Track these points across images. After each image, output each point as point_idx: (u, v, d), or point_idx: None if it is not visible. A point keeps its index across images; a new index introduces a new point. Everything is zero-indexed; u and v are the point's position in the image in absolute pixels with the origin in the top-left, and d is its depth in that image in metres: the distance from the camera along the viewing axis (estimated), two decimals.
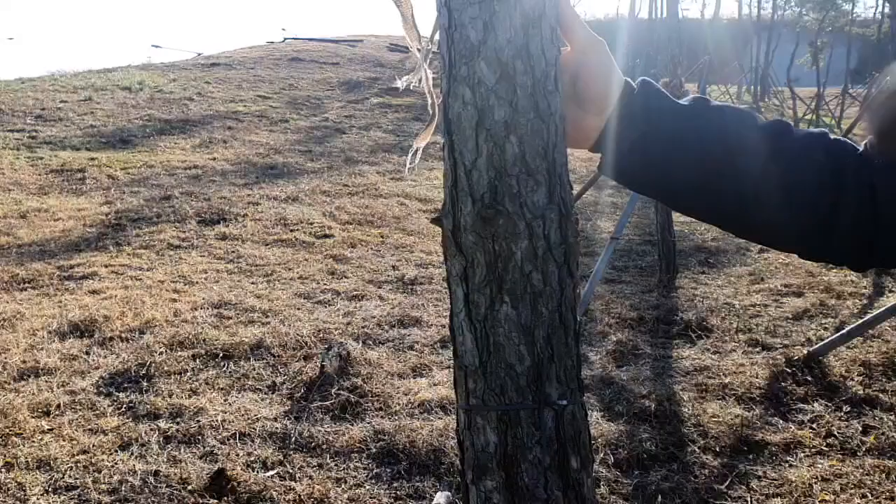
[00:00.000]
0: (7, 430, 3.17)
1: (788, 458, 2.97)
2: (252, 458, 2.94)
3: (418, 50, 0.85)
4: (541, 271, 0.71)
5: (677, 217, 7.36)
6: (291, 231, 6.58)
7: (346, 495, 2.73)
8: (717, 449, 3.01)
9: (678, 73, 5.13)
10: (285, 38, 25.84)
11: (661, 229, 5.45)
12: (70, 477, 2.84)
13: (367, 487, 2.79)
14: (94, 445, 3.05)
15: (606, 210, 8.10)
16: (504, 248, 0.70)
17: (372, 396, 3.44)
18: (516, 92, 0.71)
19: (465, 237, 0.71)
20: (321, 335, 4.16)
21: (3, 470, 2.87)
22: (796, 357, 3.80)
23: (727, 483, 2.80)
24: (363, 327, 4.33)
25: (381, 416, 3.27)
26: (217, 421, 3.22)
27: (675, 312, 4.71)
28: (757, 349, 4.08)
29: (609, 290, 5.26)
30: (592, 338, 4.31)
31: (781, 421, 3.23)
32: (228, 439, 3.08)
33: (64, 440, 3.11)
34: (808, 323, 4.50)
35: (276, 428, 3.18)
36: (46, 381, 3.63)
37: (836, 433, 3.12)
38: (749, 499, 2.72)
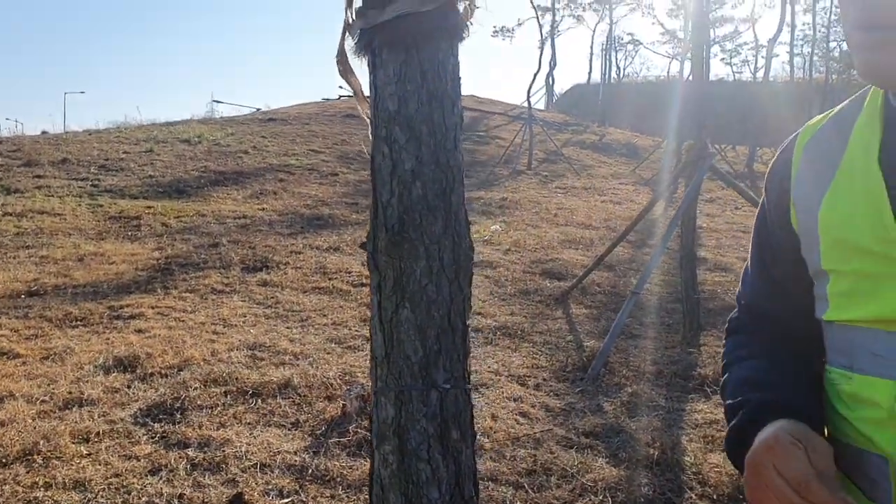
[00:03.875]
0: (49, 454, 3.43)
1: None
2: (270, 486, 3.14)
3: (367, 115, 1.08)
4: (435, 284, 0.91)
5: (706, 277, 7.44)
6: (330, 279, 6.87)
7: None
8: (715, 497, 3.10)
9: (703, 136, 5.30)
10: (340, 97, 26.79)
11: (686, 286, 5.56)
12: (102, 497, 3.07)
13: None
14: (126, 470, 3.29)
15: (641, 267, 8.21)
16: (407, 266, 0.90)
17: None
18: (421, 149, 0.92)
19: (379, 258, 0.92)
20: (347, 377, 4.37)
21: (41, 488, 3.12)
22: None
23: None
24: None
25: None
26: (241, 451, 3.43)
27: (693, 368, 4.79)
28: None
29: (633, 344, 5.37)
30: (609, 389, 4.43)
31: None
32: (249, 468, 3.29)
33: (100, 464, 3.35)
34: None
35: (296, 460, 3.38)
36: (88, 411, 3.90)
37: None
38: None
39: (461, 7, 1.11)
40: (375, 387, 0.94)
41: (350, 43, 1.15)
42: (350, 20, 1.13)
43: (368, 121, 1.08)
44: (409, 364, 0.90)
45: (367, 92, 1.05)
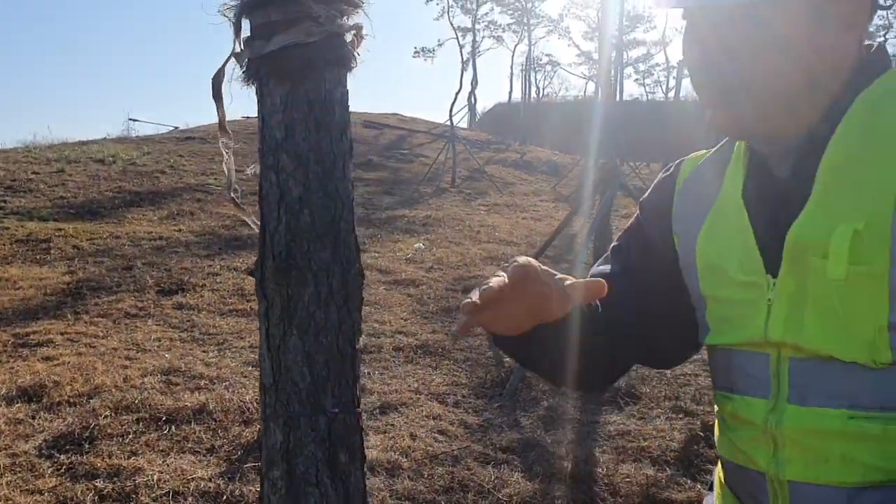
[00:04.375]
0: None
1: None
2: None
3: (224, 145, 1.10)
4: (323, 311, 0.93)
5: None
6: (248, 301, 6.75)
7: None
8: None
9: (614, 155, 5.48)
10: None
11: None
12: None
13: None
14: None
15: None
16: (295, 292, 0.92)
17: None
18: (309, 177, 0.94)
19: (267, 285, 0.93)
20: None
21: None
22: (711, 422, 4.01)
23: None
24: None
25: None
26: (153, 480, 3.34)
27: None
28: (680, 415, 4.29)
29: None
30: (526, 403, 4.50)
31: (689, 481, 3.42)
32: (161, 497, 3.21)
33: (1, 501, 3.21)
34: None
35: (210, 487, 3.31)
36: None
37: None
38: None
39: (348, 38, 1.14)
40: (264, 414, 0.95)
41: (238, 72, 1.16)
42: (238, 49, 1.15)
43: (225, 151, 1.10)
44: (297, 391, 0.92)
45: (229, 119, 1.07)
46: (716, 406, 1.05)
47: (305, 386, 0.92)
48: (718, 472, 1.08)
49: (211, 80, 1.13)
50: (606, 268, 1.12)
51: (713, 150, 1.07)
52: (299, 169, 0.93)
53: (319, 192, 0.94)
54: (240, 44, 1.14)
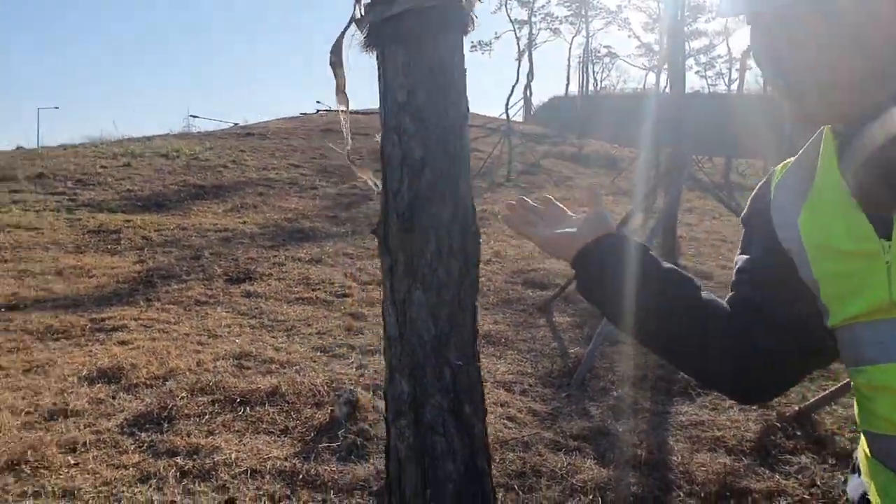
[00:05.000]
0: (36, 464, 3.40)
1: None
2: (261, 492, 3.14)
3: (342, 112, 1.12)
4: (445, 268, 0.95)
5: None
6: (313, 290, 6.87)
7: None
8: (702, 495, 3.15)
9: (682, 144, 5.39)
10: (319, 111, 26.83)
11: None
12: None
13: None
14: (115, 478, 3.27)
15: None
16: (418, 249, 0.94)
17: (377, 440, 3.63)
18: (430, 138, 0.96)
19: (391, 242, 0.95)
20: (334, 385, 4.38)
21: (31, 497, 3.10)
22: (788, 413, 3.93)
23: None
24: (374, 379, 4.54)
25: (384, 458, 3.45)
26: (230, 458, 3.43)
27: (676, 372, 4.85)
28: (754, 407, 4.21)
29: (617, 350, 5.42)
30: (595, 393, 4.48)
31: (767, 471, 3.36)
32: (240, 475, 3.29)
33: (88, 473, 3.33)
34: (809, 384, 4.61)
35: (286, 466, 3.38)
36: (74, 422, 3.87)
37: (819, 483, 3.24)
38: None
39: (464, 1, 1.16)
40: (389, 365, 0.97)
41: (358, 37, 1.19)
42: (359, 15, 1.18)
43: (343, 116, 1.12)
44: (422, 343, 0.94)
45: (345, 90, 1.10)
46: (854, 389, 1.04)
47: (430, 338, 0.94)
48: (863, 449, 1.06)
49: (331, 47, 1.16)
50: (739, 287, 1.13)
51: (801, 151, 1.09)
52: (420, 130, 0.95)
53: (440, 153, 0.96)
54: (360, 9, 1.17)
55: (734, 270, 1.16)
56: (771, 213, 1.08)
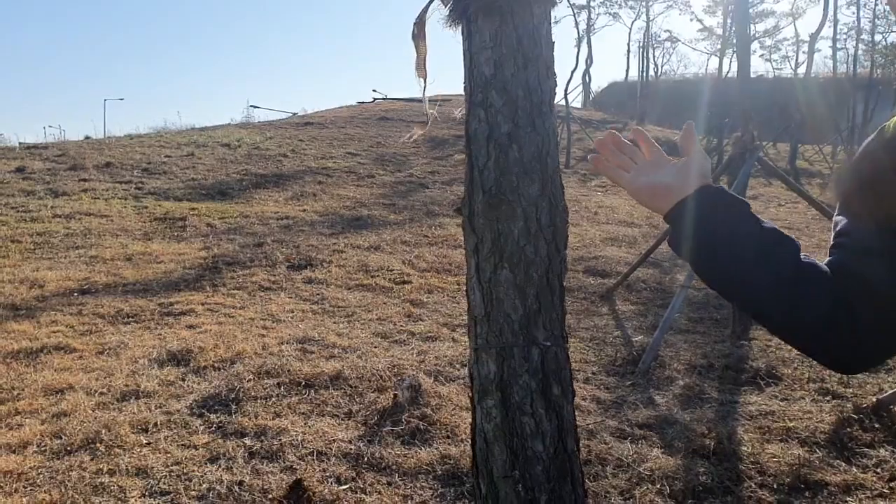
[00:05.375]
0: (111, 443, 3.51)
1: (847, 499, 2.99)
2: (327, 474, 3.18)
3: (423, 79, 1.11)
4: (533, 245, 0.92)
5: None
6: (372, 277, 6.92)
7: None
8: (775, 486, 3.06)
9: (749, 128, 5.23)
10: (375, 99, 26.98)
11: None
12: (164, 483, 3.14)
13: None
14: (186, 458, 3.35)
15: (686, 263, 8.12)
16: (505, 227, 0.92)
17: (440, 425, 3.63)
18: (518, 113, 0.94)
19: (476, 220, 0.93)
20: (396, 370, 4.40)
21: (106, 475, 3.20)
22: (865, 405, 3.79)
23: None
24: (435, 365, 4.55)
25: (448, 443, 3.46)
26: (297, 440, 3.48)
27: (745, 361, 4.73)
28: (827, 397, 4.08)
29: (682, 338, 5.33)
30: (660, 382, 4.40)
31: (844, 464, 3.25)
32: (306, 456, 3.33)
33: (160, 453, 3.42)
34: (885, 375, 4.45)
35: (351, 449, 3.41)
36: (145, 403, 3.98)
37: None
38: None
39: None
40: (475, 344, 0.95)
41: (442, 12, 1.17)
42: None
43: (423, 84, 1.10)
44: (510, 322, 0.92)
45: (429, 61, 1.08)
46: None
47: (518, 318, 0.92)
48: None
49: (413, 24, 1.15)
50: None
51: None
52: (508, 105, 0.93)
53: (528, 128, 0.93)
54: None
55: (832, 233, 1.10)
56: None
